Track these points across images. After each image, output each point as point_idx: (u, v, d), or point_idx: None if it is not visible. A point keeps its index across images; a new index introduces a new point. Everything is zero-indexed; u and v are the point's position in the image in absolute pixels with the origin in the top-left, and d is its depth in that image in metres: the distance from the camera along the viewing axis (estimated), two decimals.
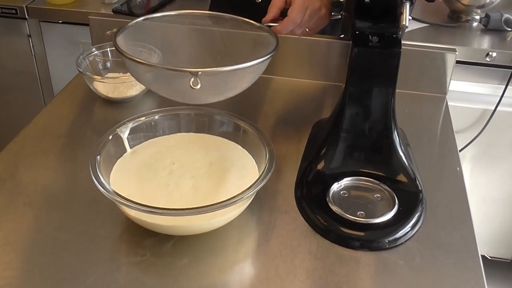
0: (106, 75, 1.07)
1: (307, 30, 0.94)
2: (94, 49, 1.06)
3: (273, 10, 0.92)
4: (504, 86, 1.38)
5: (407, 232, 0.74)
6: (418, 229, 0.75)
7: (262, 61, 0.74)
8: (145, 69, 0.74)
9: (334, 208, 0.76)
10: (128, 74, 1.10)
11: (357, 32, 0.81)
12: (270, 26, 0.89)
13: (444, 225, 0.76)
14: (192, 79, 0.68)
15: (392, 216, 0.75)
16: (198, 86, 0.68)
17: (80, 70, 1.00)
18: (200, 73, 0.68)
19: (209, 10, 1.23)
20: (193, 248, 0.71)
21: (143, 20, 0.84)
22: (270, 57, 0.76)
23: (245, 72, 0.74)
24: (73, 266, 0.68)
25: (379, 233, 0.73)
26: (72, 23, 1.62)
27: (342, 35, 1.12)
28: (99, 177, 0.70)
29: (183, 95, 0.75)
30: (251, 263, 0.71)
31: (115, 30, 0.79)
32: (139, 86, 1.01)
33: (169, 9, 1.40)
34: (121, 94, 1.01)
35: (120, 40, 0.78)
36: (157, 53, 0.92)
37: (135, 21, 0.82)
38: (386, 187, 0.80)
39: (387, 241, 0.73)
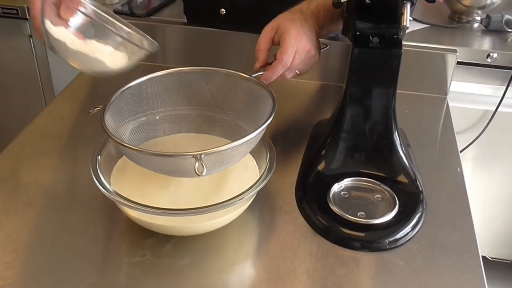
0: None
1: (297, 72, 0.88)
2: None
3: (261, 55, 0.86)
4: (505, 87, 1.38)
5: (408, 233, 0.74)
6: (419, 229, 0.75)
7: (266, 126, 0.71)
8: (140, 155, 0.69)
9: (334, 208, 0.76)
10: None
11: (357, 33, 0.81)
12: (260, 74, 0.84)
13: (444, 226, 0.76)
14: (197, 164, 0.63)
15: (393, 217, 0.75)
16: (204, 173, 0.63)
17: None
18: (203, 155, 0.63)
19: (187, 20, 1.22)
20: (193, 249, 0.71)
21: (126, 89, 0.78)
22: (272, 119, 0.71)
23: (249, 143, 0.70)
24: (73, 266, 0.68)
25: (379, 234, 0.73)
26: None
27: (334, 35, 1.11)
28: (99, 177, 0.70)
29: (187, 174, 0.71)
30: (252, 264, 0.71)
31: (100, 107, 0.73)
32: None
33: (170, 9, 1.40)
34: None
35: (108, 119, 0.72)
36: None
37: (117, 93, 0.76)
38: (386, 188, 0.80)
39: (387, 242, 0.73)
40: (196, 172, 0.63)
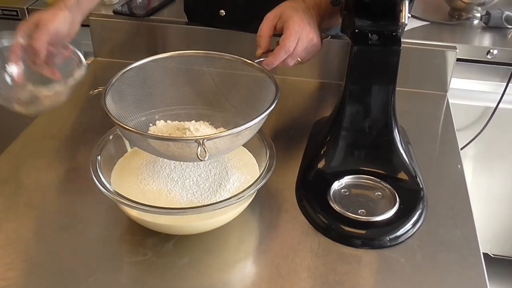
0: None
1: (299, 59, 0.88)
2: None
3: (263, 41, 0.86)
4: (505, 84, 1.38)
5: (408, 230, 0.74)
6: (419, 226, 0.75)
7: (268, 113, 0.70)
8: (145, 139, 0.69)
9: (335, 206, 0.76)
10: None
11: (356, 31, 0.81)
12: (262, 60, 0.84)
13: (445, 223, 0.76)
14: (199, 149, 0.62)
15: (393, 214, 0.75)
16: (207, 157, 0.62)
17: None
18: (205, 140, 0.63)
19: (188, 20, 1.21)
20: (194, 247, 0.71)
21: (127, 71, 0.78)
22: (274, 105, 0.72)
23: (251, 128, 0.70)
24: (74, 266, 0.68)
25: (380, 231, 0.73)
26: None
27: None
28: (99, 177, 0.70)
29: (188, 159, 0.72)
30: (252, 262, 0.71)
31: (100, 88, 0.73)
32: None
33: (170, 9, 1.39)
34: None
35: (109, 100, 0.73)
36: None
37: (119, 74, 0.77)
38: (387, 185, 0.79)
39: (388, 239, 0.73)
40: (198, 157, 0.63)
